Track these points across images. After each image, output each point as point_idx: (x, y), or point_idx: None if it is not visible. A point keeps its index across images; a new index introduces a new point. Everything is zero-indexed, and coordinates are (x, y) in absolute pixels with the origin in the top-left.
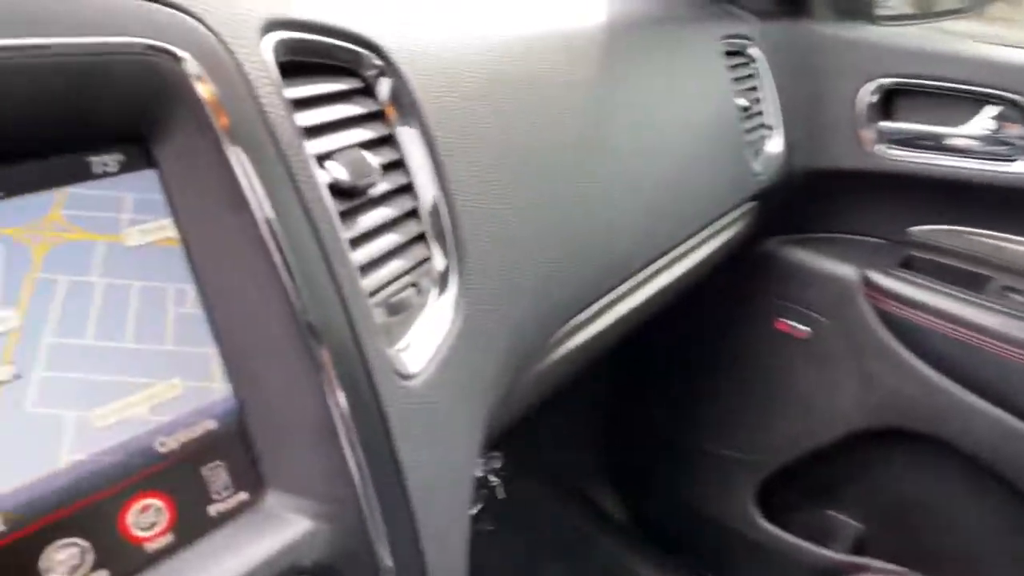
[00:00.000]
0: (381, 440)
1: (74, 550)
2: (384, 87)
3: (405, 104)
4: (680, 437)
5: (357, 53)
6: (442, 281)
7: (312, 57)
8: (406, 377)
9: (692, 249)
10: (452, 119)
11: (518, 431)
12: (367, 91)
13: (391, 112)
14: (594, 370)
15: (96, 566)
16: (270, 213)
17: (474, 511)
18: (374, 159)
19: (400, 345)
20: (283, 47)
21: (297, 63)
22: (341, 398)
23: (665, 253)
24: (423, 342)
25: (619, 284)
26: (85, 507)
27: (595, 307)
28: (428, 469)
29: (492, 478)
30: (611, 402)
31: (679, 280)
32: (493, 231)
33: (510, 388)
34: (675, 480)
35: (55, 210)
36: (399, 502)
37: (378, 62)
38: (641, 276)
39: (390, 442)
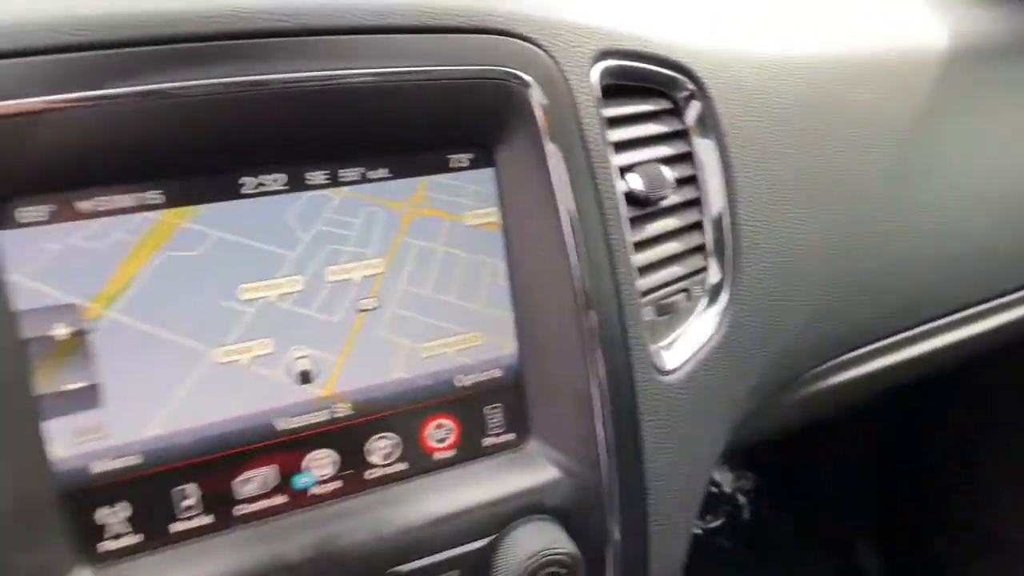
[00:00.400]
0: (629, 421)
1: (388, 443)
2: (693, 109)
3: (709, 125)
4: (977, 520)
5: (673, 78)
6: (713, 293)
7: (632, 81)
8: (662, 372)
9: (1003, 308)
10: (751, 140)
11: (787, 461)
12: (675, 111)
13: (694, 132)
14: (877, 425)
15: (400, 459)
16: (572, 212)
17: (716, 523)
18: (670, 174)
19: (662, 343)
20: (608, 73)
21: (618, 85)
22: (602, 377)
23: (965, 308)
24: (684, 344)
25: (899, 332)
26: (400, 413)
27: (866, 349)
28: (667, 457)
29: (740, 497)
30: (891, 463)
31: (984, 337)
32: (773, 254)
33: (760, 408)
34: (965, 567)
35: (420, 191)
36: (635, 479)
37: (690, 86)
38: (930, 326)
39: (637, 425)
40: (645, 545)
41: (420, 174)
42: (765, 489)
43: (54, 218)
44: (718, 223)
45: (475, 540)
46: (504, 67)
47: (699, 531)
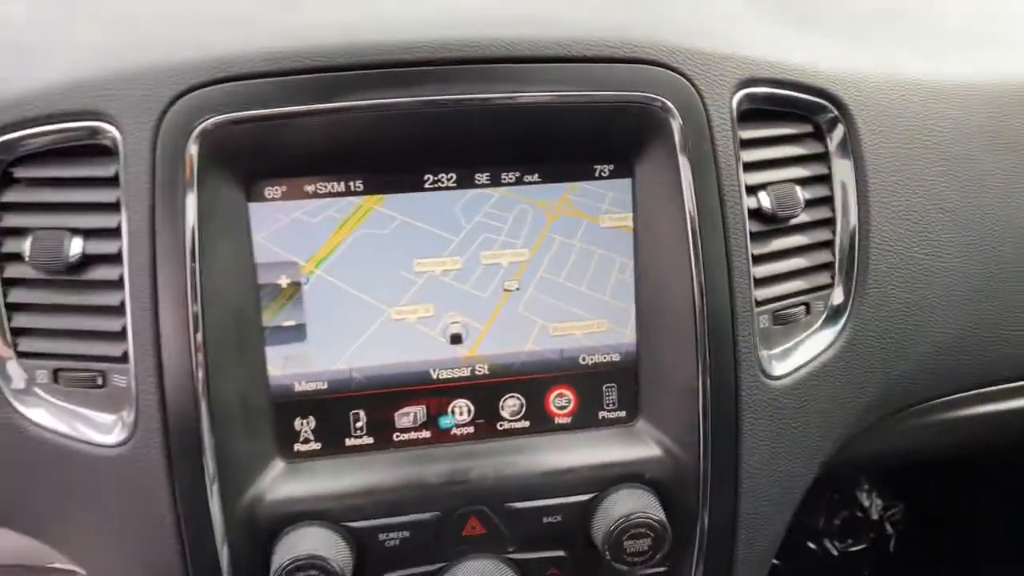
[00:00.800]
0: (730, 416)
1: (517, 402)
2: (836, 134)
3: (850, 149)
4: None
5: (817, 103)
6: (835, 311)
7: (775, 106)
8: (769, 376)
9: None
10: (893, 166)
11: (947, 497)
12: (817, 134)
13: (834, 155)
14: None
15: (524, 417)
16: (696, 223)
17: (857, 548)
18: (802, 194)
19: (775, 350)
20: (750, 98)
21: (762, 109)
22: (708, 373)
23: None
24: (796, 355)
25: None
26: (529, 379)
27: (996, 388)
28: (763, 454)
29: (888, 526)
30: None
31: None
32: (904, 281)
33: (876, 428)
34: None
35: (566, 194)
36: (729, 468)
37: (834, 111)
38: None
39: (737, 420)
40: (732, 530)
41: (567, 180)
42: (917, 522)
43: (286, 196)
44: (848, 244)
45: (580, 494)
46: (649, 93)
47: (836, 553)
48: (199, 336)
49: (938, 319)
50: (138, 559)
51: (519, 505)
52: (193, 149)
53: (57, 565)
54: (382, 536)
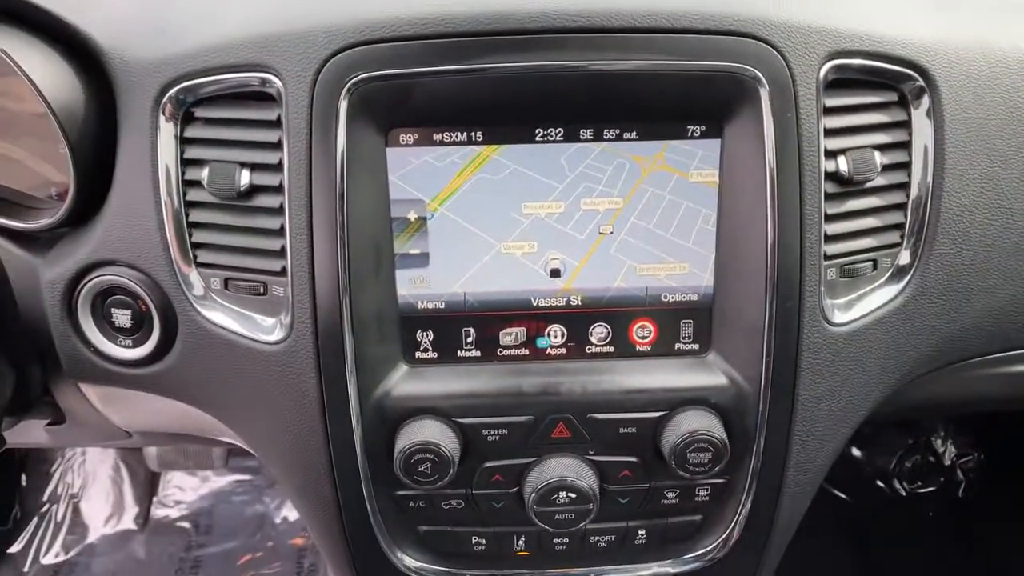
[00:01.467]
0: (791, 357)
1: (604, 330)
2: (922, 103)
3: (932, 118)
4: None
5: (903, 73)
6: (900, 269)
7: (862, 75)
8: (831, 323)
9: None
10: (974, 135)
11: None
12: (901, 102)
13: (916, 123)
14: None
15: (610, 343)
16: (775, 182)
17: (925, 490)
18: (880, 159)
19: (839, 300)
20: (837, 69)
21: (848, 78)
22: (771, 315)
23: None
24: (859, 306)
25: None
26: (616, 311)
27: None
28: (818, 390)
29: (959, 472)
30: None
31: None
32: (972, 244)
33: (935, 376)
34: None
35: (660, 152)
36: (785, 399)
37: (920, 82)
38: None
39: (797, 361)
40: (784, 454)
41: (662, 138)
42: (991, 472)
43: (417, 143)
44: (920, 209)
45: (653, 411)
46: (741, 63)
47: (904, 493)
48: (344, 256)
49: (999, 283)
50: (290, 435)
51: (600, 416)
52: (343, 101)
53: (224, 439)
54: (485, 432)
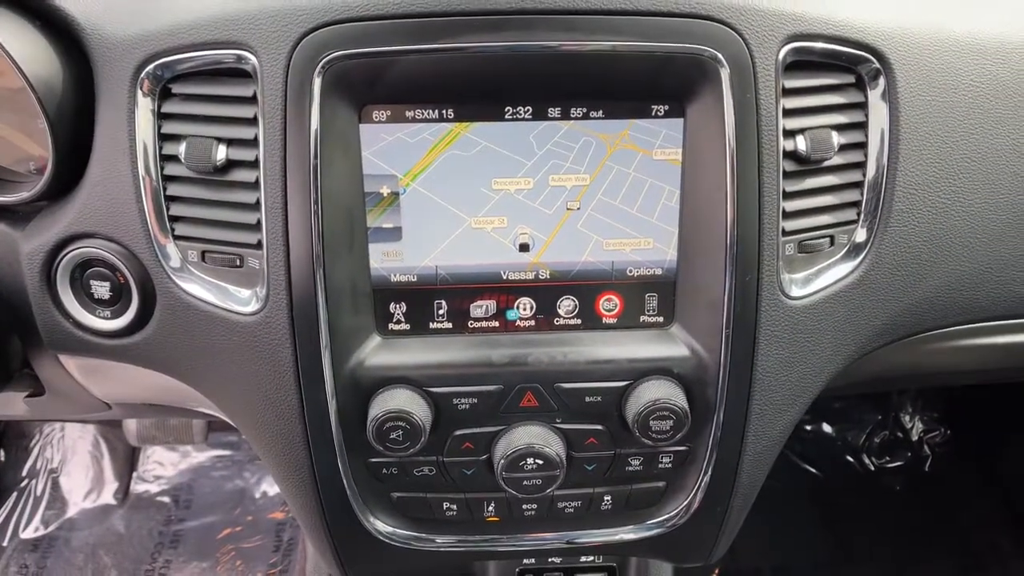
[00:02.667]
0: (750, 329)
1: (571, 303)
2: (878, 85)
3: (888, 100)
4: None
5: (860, 56)
6: (856, 245)
7: (820, 58)
8: (788, 297)
9: None
10: (928, 117)
11: (996, 428)
12: (857, 84)
13: (872, 104)
14: None
15: (577, 316)
16: (735, 162)
17: (892, 464)
18: (837, 139)
19: (797, 275)
20: (796, 52)
21: (807, 61)
22: (731, 289)
23: None
24: (816, 280)
25: None
26: (583, 285)
27: (1008, 322)
28: (775, 361)
29: (926, 448)
30: None
31: None
32: (926, 221)
33: (890, 348)
34: None
35: (625, 131)
36: (744, 369)
37: (876, 65)
38: None
39: (754, 330)
40: (744, 423)
41: (627, 117)
42: (958, 447)
43: (390, 120)
44: (875, 186)
45: (617, 381)
46: (702, 45)
47: (873, 467)
48: (319, 230)
49: (954, 258)
50: (266, 405)
51: (567, 385)
52: (317, 79)
53: (202, 410)
54: (455, 401)
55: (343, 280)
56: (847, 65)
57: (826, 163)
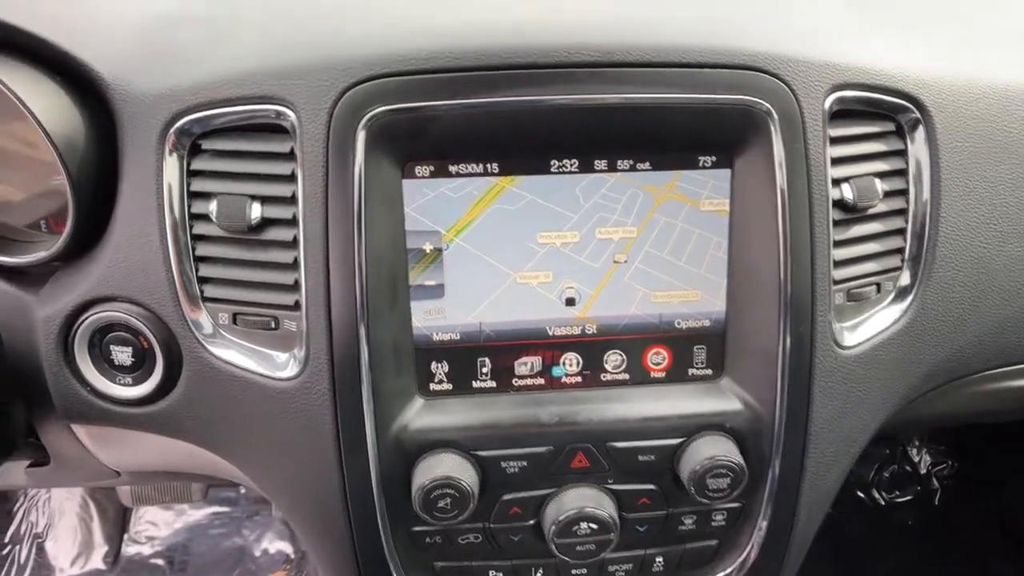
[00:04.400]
0: (805, 380)
1: (619, 358)
2: (918, 134)
3: (928, 147)
4: None
5: (900, 104)
6: (902, 291)
7: (862, 106)
8: (841, 346)
9: None
10: (968, 164)
11: (1002, 460)
12: (899, 131)
13: (913, 152)
14: None
15: (625, 371)
16: (787, 211)
17: (902, 499)
18: (881, 186)
19: (847, 323)
20: (839, 101)
21: (848, 110)
22: (787, 340)
23: None
24: (865, 328)
25: None
26: (631, 339)
27: None
28: (830, 412)
29: (935, 481)
30: None
31: None
32: (969, 267)
33: (937, 392)
34: None
35: (672, 181)
36: (799, 421)
37: (916, 113)
38: None
39: (810, 382)
40: (799, 475)
41: (674, 168)
42: (966, 480)
43: (433, 175)
44: (919, 233)
45: (670, 438)
46: (752, 97)
47: (883, 503)
48: (363, 289)
49: (997, 302)
50: (303, 473)
51: (619, 445)
52: (361, 134)
53: (223, 476)
54: (504, 464)
55: (385, 340)
56: (887, 113)
57: (871, 210)
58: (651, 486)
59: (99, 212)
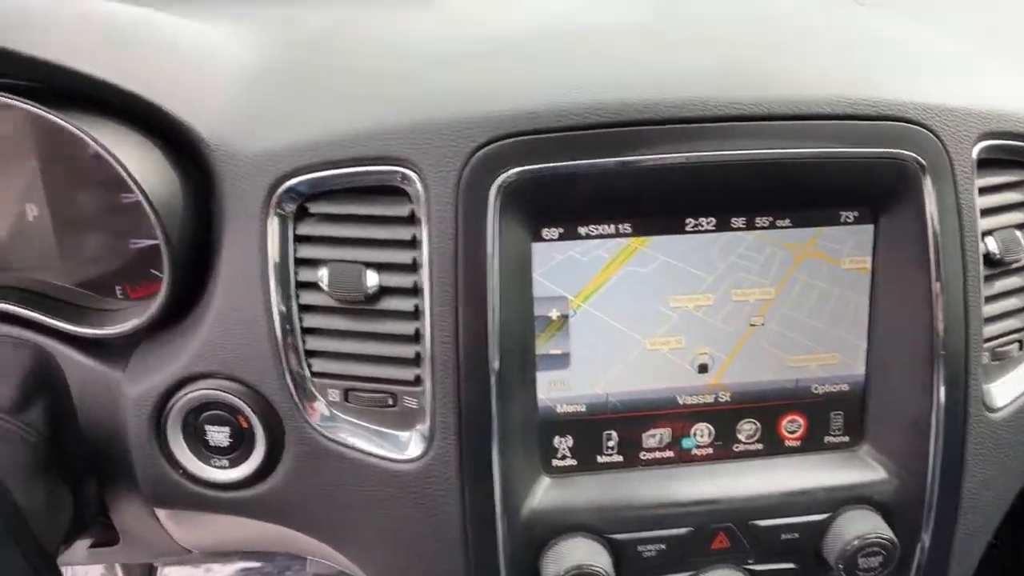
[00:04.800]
0: (958, 448)
1: (752, 426)
2: None
3: None
4: None
5: None
6: None
7: (1008, 155)
8: (990, 409)
9: None
10: None
11: None
12: None
13: None
14: None
15: (758, 440)
16: (940, 268)
17: None
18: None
19: (993, 384)
20: (986, 150)
21: (989, 159)
22: (941, 407)
23: None
24: (1012, 388)
25: None
26: (765, 406)
27: None
28: (981, 479)
29: None
30: None
31: None
32: None
33: None
34: None
35: (813, 239)
36: (952, 492)
37: None
38: None
39: (963, 449)
40: (949, 547)
41: (815, 225)
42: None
43: (561, 237)
44: None
45: (814, 514)
46: (900, 149)
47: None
48: (496, 363)
49: None
50: (420, 559)
51: (762, 523)
52: (494, 197)
53: (315, 558)
54: (640, 548)
55: (515, 416)
56: None
57: (1016, 265)
58: (792, 565)
59: (193, 279)
